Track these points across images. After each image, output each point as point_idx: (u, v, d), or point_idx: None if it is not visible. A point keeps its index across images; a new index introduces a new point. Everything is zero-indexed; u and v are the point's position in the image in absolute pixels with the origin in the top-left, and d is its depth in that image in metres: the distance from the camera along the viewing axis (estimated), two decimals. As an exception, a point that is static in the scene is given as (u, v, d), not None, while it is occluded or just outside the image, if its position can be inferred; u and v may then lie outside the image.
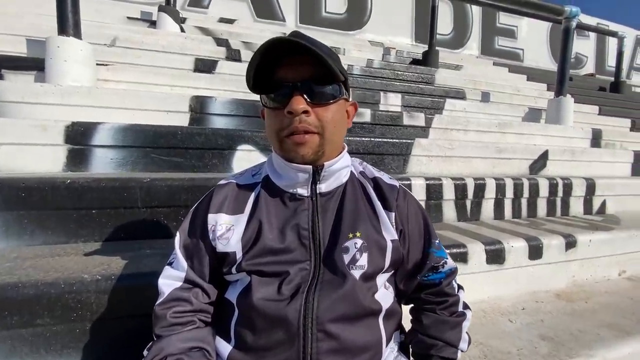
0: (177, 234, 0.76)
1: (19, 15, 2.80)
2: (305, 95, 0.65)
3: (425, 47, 4.72)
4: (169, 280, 0.73)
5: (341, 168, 0.74)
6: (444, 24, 6.68)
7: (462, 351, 0.77)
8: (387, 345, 0.72)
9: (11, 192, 1.19)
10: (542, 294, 1.58)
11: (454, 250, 1.41)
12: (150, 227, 1.32)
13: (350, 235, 0.70)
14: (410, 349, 0.80)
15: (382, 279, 0.73)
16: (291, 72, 0.66)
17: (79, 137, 1.52)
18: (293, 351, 0.63)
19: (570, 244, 1.66)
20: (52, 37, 1.94)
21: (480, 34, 7.25)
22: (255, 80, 0.67)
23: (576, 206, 2.29)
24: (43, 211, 1.23)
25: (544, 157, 2.54)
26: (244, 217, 0.72)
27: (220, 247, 0.70)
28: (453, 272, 0.80)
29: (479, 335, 1.21)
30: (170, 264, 0.75)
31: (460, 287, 0.82)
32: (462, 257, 1.42)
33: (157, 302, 0.72)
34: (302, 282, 0.67)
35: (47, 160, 1.48)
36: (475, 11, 7.21)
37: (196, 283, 0.73)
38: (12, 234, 1.20)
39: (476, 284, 1.47)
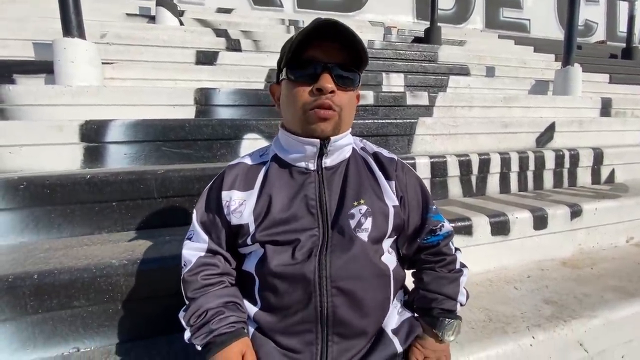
0: (194, 211, 0.83)
1: (24, 19, 2.85)
2: (334, 77, 0.71)
3: (428, 24, 4.63)
4: (193, 251, 0.80)
5: (345, 145, 0.81)
6: (446, -1, 6.49)
7: (461, 304, 0.83)
8: (392, 302, 0.80)
9: (37, 189, 1.28)
10: (548, 263, 1.62)
11: (459, 224, 1.45)
12: (167, 216, 1.40)
13: (355, 203, 0.76)
14: (414, 306, 0.86)
15: (386, 243, 0.80)
16: (323, 53, 0.71)
17: (93, 134, 1.59)
18: (311, 307, 0.70)
19: (576, 213, 1.68)
20: (58, 40, 2.00)
21: (484, 7, 7.02)
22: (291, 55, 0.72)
23: (584, 176, 2.29)
24: (67, 206, 1.31)
25: (550, 129, 2.52)
26: (254, 192, 0.78)
27: (235, 220, 0.77)
28: (450, 235, 0.86)
29: (485, 302, 1.27)
30: (189, 239, 0.82)
31: (457, 249, 0.88)
32: (467, 230, 1.46)
33: (185, 270, 0.79)
34: (314, 247, 0.73)
35: (65, 159, 1.56)
36: (479, -17, 6.97)
37: (218, 252, 0.80)
38: (42, 227, 1.29)
39: (482, 255, 1.51)
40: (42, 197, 1.28)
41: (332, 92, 0.71)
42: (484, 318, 1.17)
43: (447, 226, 0.86)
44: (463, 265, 0.86)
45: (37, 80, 2.15)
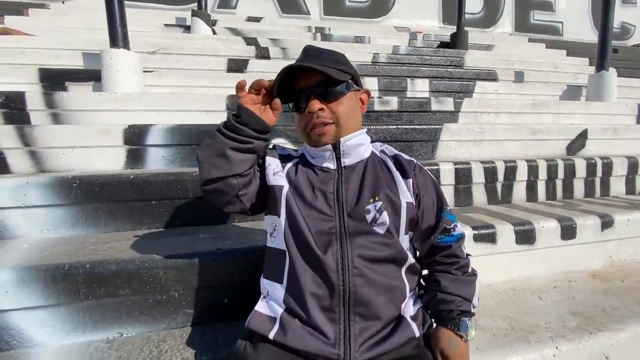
0: None
1: (75, 31, 3.11)
2: (319, 97, 0.85)
3: (454, 29, 4.59)
4: None
5: (359, 144, 0.91)
6: (474, 2, 6.39)
7: (474, 306, 0.89)
8: (408, 291, 0.87)
9: (87, 187, 1.41)
10: (576, 274, 1.58)
11: (482, 232, 1.45)
12: (202, 215, 1.50)
13: (371, 200, 0.86)
14: (429, 310, 0.90)
15: (403, 239, 0.87)
16: (305, 82, 0.86)
17: (135, 138, 1.73)
18: (333, 287, 0.79)
19: (607, 223, 1.64)
20: (106, 50, 2.18)
21: (514, 9, 6.84)
22: (282, 93, 0.87)
23: (617, 186, 2.21)
24: (113, 203, 1.44)
25: (582, 137, 2.45)
26: (285, 172, 0.92)
27: (272, 180, 0.89)
28: (462, 237, 0.93)
29: (508, 310, 1.27)
30: None
31: (468, 254, 0.94)
32: (491, 238, 1.46)
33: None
34: (332, 233, 0.83)
35: (111, 160, 1.71)
36: (508, -15, 6.81)
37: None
38: (90, 222, 1.42)
39: (505, 263, 1.50)
40: (91, 194, 1.41)
41: (321, 109, 0.84)
42: (506, 326, 1.17)
43: (460, 228, 0.92)
44: (474, 271, 0.92)
45: (86, 87, 2.35)
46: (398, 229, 0.86)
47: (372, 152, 0.96)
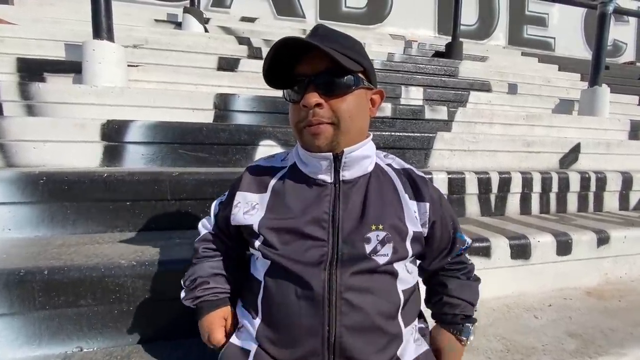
0: (217, 200, 0.93)
1: (60, 22, 2.98)
2: (319, 89, 0.68)
3: (449, 39, 4.60)
4: (206, 225, 0.92)
5: (364, 156, 0.76)
6: (469, 14, 6.45)
7: (476, 310, 0.88)
8: (406, 328, 0.73)
9: (56, 185, 1.30)
10: (571, 291, 1.52)
11: (476, 245, 1.39)
12: (179, 218, 1.39)
13: (374, 227, 0.71)
14: (433, 311, 0.89)
15: (404, 265, 0.75)
16: (307, 66, 0.69)
17: (113, 134, 1.62)
18: (317, 322, 0.66)
19: (603, 240, 1.59)
20: (88, 41, 2.07)
21: (508, 23, 6.94)
22: (274, 76, 0.72)
23: (611, 201, 2.18)
24: (83, 203, 1.33)
25: (575, 151, 2.42)
26: (266, 196, 0.77)
27: (241, 220, 0.77)
28: (470, 246, 0.91)
29: (502, 330, 1.20)
30: (209, 216, 0.94)
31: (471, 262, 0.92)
32: (485, 252, 1.40)
33: (197, 238, 0.91)
34: (323, 261, 0.69)
35: (85, 156, 1.59)
36: (503, -1, 6.92)
37: (219, 236, 0.89)
38: (57, 223, 1.31)
39: (500, 278, 1.44)
40: (59, 192, 1.30)
41: (319, 105, 0.68)
42: (502, 348, 1.10)
43: (467, 239, 0.90)
44: (477, 277, 0.91)
45: (66, 79, 2.23)
46: (400, 260, 0.73)
47: (377, 163, 0.81)
